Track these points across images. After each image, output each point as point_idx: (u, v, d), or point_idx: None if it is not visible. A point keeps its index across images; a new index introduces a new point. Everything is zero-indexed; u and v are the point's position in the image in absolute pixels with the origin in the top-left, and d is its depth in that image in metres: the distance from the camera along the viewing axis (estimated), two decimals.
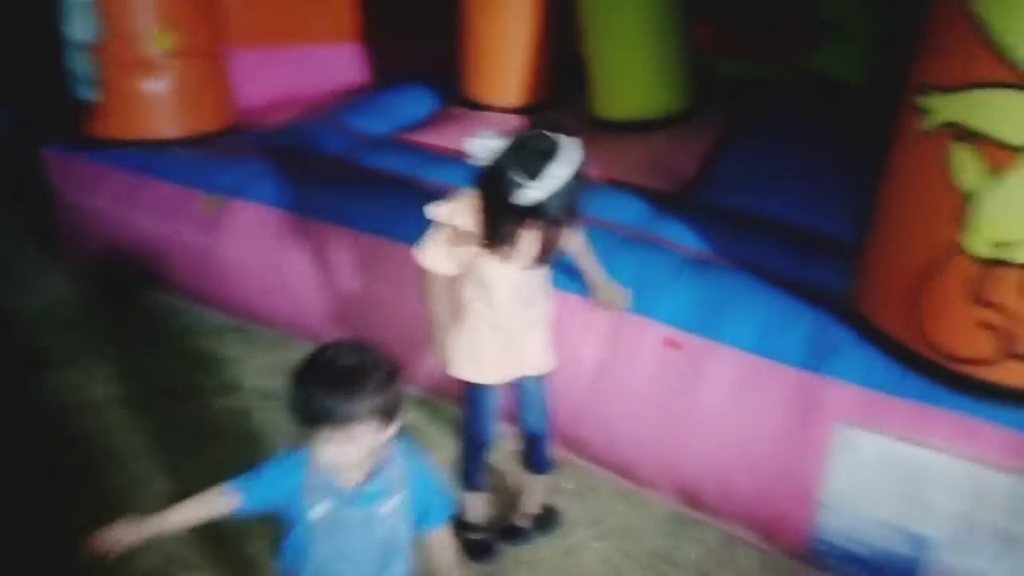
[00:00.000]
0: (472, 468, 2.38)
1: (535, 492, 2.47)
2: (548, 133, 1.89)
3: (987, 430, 1.96)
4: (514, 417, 2.37)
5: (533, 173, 1.82)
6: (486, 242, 1.97)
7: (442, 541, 1.65)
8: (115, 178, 3.59)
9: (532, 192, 1.83)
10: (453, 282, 2.14)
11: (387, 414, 1.43)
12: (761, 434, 2.20)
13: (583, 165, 1.89)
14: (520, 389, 2.27)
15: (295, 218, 3.18)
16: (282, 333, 3.40)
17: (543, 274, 2.14)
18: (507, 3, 3.90)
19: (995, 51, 1.79)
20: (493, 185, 1.89)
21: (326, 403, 1.36)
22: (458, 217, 1.99)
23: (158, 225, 3.50)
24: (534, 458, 2.40)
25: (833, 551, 2.14)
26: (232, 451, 2.83)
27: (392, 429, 1.46)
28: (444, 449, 2.73)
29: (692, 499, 2.44)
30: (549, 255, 2.01)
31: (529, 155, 1.85)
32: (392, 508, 1.52)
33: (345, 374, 1.39)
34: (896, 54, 3.19)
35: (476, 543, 2.38)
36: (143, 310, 3.72)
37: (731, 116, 3.76)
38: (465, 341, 2.15)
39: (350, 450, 1.41)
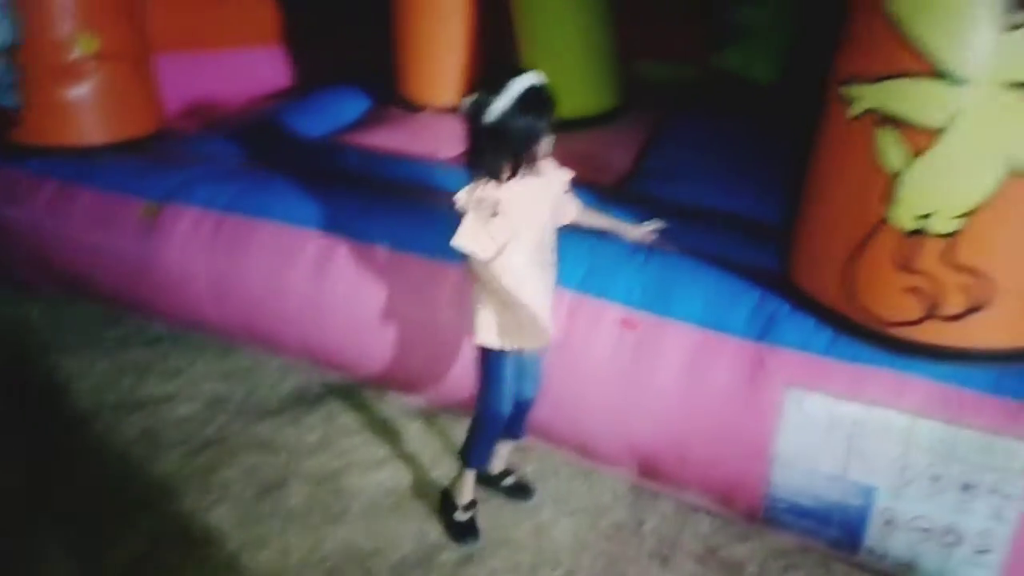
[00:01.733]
0: (484, 446, 2.43)
1: (503, 454, 2.63)
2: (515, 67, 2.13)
3: (914, 383, 2.19)
4: None
5: (498, 90, 2.03)
6: (486, 175, 2.11)
7: None
8: (42, 187, 3.46)
9: (496, 106, 2.01)
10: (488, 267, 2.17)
11: None
12: (716, 402, 2.36)
13: (543, 87, 2.09)
14: (522, 358, 2.35)
15: (238, 220, 3.15)
16: (224, 341, 3.36)
17: (553, 238, 2.28)
18: (441, 2, 3.97)
19: (909, 45, 2.01)
20: (473, 116, 2.08)
21: None
22: (477, 192, 2.11)
23: (90, 235, 3.39)
24: (517, 425, 2.51)
25: (787, 509, 2.32)
26: (191, 458, 2.80)
27: None
28: (441, 467, 2.78)
29: (651, 471, 2.58)
30: (523, 168, 2.14)
31: (495, 80, 2.07)
32: None
33: None
34: (805, 54, 3.47)
35: (462, 525, 2.46)
36: (76, 322, 3.60)
37: (658, 114, 3.96)
38: (495, 311, 2.22)
39: None
